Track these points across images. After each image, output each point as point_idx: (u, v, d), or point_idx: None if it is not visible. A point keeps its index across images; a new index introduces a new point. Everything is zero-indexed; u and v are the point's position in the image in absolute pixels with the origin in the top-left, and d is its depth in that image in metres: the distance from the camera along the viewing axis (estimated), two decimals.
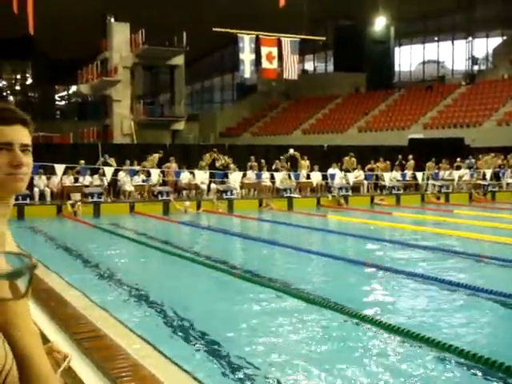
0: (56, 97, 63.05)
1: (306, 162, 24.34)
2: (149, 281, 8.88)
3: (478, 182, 25.34)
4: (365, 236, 13.32)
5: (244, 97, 56.44)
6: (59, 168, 19.26)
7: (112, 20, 37.30)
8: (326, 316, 6.58)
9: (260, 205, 21.21)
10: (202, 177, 21.63)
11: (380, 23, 47.94)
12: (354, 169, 24.67)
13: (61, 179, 19.80)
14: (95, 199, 19.26)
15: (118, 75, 35.95)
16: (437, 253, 11.21)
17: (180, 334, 6.03)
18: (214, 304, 7.38)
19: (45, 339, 4.78)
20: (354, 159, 25.02)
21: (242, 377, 4.85)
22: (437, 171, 25.47)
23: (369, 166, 25.34)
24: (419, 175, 24.67)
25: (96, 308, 6.54)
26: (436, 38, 54.15)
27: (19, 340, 1.22)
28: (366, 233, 13.98)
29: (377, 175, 24.74)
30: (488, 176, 25.20)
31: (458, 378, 4.87)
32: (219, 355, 5.34)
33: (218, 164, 22.73)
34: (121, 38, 36.14)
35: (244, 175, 22.54)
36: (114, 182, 20.66)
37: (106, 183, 20.39)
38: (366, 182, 24.48)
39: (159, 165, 21.89)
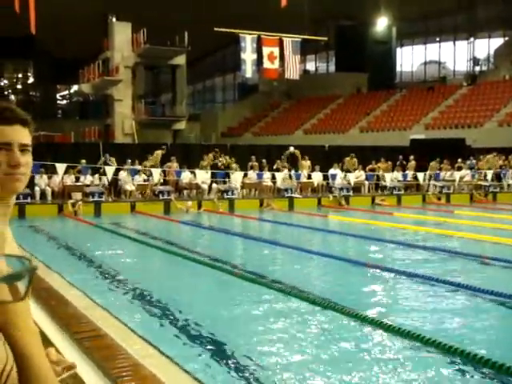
0: (57, 96, 63.05)
1: (307, 162, 24.33)
2: (149, 280, 8.88)
3: (479, 182, 25.33)
4: (365, 236, 13.32)
5: (245, 97, 56.45)
6: (60, 167, 19.27)
7: (114, 19, 37.34)
8: (325, 316, 6.58)
9: (261, 205, 21.21)
10: (203, 176, 21.64)
11: (382, 23, 47.90)
12: (355, 169, 24.66)
13: (62, 178, 19.81)
14: (96, 198, 19.27)
15: (120, 75, 35.97)
16: (437, 253, 11.20)
17: (180, 333, 6.03)
18: (214, 304, 7.38)
19: (45, 339, 4.80)
20: (355, 159, 25.02)
21: (242, 377, 4.85)
22: (438, 172, 25.45)
23: (370, 166, 25.33)
24: (420, 176, 24.66)
25: (97, 307, 6.54)
26: (437, 39, 54.15)
27: (19, 340, 1.22)
28: (366, 233, 13.97)
29: (378, 175, 24.73)
30: (489, 177, 25.19)
31: (458, 379, 4.86)
32: (220, 355, 5.34)
33: (219, 164, 22.72)
34: (122, 37, 36.17)
35: (245, 175, 22.54)
36: (114, 181, 20.67)
37: (106, 182, 20.38)
38: (367, 182, 24.48)
39: (161, 162, 21.92)
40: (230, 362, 5.18)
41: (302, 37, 28.40)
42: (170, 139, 35.48)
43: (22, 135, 1.47)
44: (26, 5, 19.44)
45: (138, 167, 21.20)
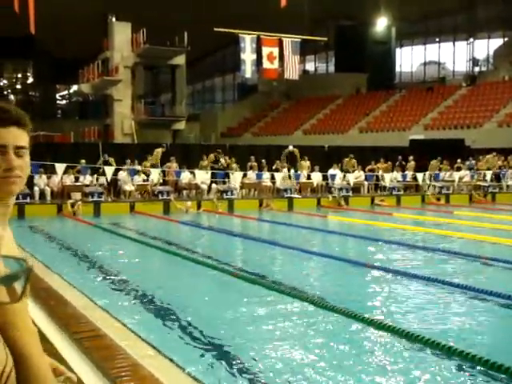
0: (57, 96, 63.04)
1: (306, 163, 24.33)
2: (149, 280, 8.87)
3: (479, 183, 25.34)
4: (365, 237, 13.32)
5: (245, 97, 56.47)
6: (60, 167, 19.25)
7: (113, 19, 37.34)
8: (324, 317, 6.58)
9: (260, 205, 21.22)
10: (203, 177, 21.64)
11: (381, 24, 47.93)
12: (354, 170, 24.66)
13: (61, 178, 19.80)
14: (95, 199, 19.27)
15: (119, 75, 35.98)
16: (437, 254, 11.20)
17: (180, 334, 6.03)
18: (213, 304, 7.38)
19: (45, 339, 4.80)
20: (353, 160, 25.02)
21: (241, 377, 4.85)
22: (438, 172, 25.45)
23: (369, 166, 25.34)
24: (420, 176, 24.66)
25: (96, 308, 6.54)
26: (437, 39, 54.18)
27: (18, 340, 1.22)
28: (366, 233, 13.98)
29: (377, 176, 24.73)
30: (488, 177, 25.21)
31: (457, 379, 4.86)
32: (219, 355, 5.34)
33: (220, 164, 22.70)
34: (122, 37, 36.18)
35: (244, 175, 22.55)
36: (114, 181, 20.66)
37: (104, 182, 20.35)
38: (366, 182, 24.48)
39: (161, 162, 21.94)
40: (228, 361, 5.17)
41: (301, 37, 28.40)
42: (170, 139, 35.49)
43: (18, 137, 1.43)
44: (26, 5, 19.44)
45: (138, 167, 21.20)
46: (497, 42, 50.15)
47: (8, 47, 47.75)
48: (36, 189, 19.25)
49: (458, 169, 25.95)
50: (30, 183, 18.85)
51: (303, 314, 6.75)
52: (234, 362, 5.16)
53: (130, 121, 36.10)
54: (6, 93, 59.39)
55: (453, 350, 5.23)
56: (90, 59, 38.51)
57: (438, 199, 24.05)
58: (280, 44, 27.09)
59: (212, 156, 22.79)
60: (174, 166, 21.91)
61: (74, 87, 55.10)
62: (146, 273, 9.73)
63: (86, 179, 20.35)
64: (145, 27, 35.05)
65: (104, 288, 8.20)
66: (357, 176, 24.23)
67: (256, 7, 38.36)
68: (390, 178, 24.39)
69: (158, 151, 22.14)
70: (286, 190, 22.28)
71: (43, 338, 4.57)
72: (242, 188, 22.45)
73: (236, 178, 21.95)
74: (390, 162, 25.75)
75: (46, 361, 1.34)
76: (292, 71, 27.49)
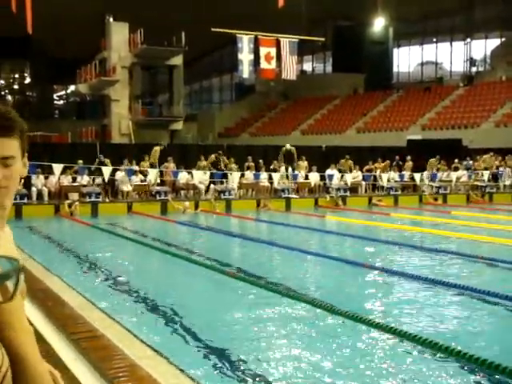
0: (54, 96, 62.98)
1: (304, 163, 24.33)
2: (146, 281, 8.87)
3: (476, 183, 25.37)
4: (363, 237, 13.33)
5: (242, 97, 56.47)
6: (57, 167, 19.22)
7: (111, 20, 37.30)
8: (322, 317, 6.58)
9: (258, 205, 21.22)
10: (201, 177, 21.62)
11: (379, 24, 47.93)
12: (351, 171, 24.61)
13: (59, 179, 19.77)
14: (93, 199, 19.25)
15: (117, 75, 35.96)
16: (434, 254, 11.21)
17: (177, 334, 6.03)
18: (210, 304, 7.38)
19: (42, 339, 4.79)
20: (350, 161, 24.95)
21: (238, 376, 4.85)
22: (435, 172, 25.46)
23: (367, 166, 25.33)
24: (417, 176, 24.67)
25: (93, 308, 6.53)
26: (434, 40, 54.22)
27: (14, 340, 1.21)
28: (363, 234, 13.99)
29: (375, 176, 24.73)
30: (485, 177, 25.24)
31: (456, 380, 4.87)
32: (216, 355, 5.34)
33: (219, 166, 22.67)
34: (119, 37, 36.16)
35: (242, 175, 22.54)
36: (111, 182, 20.64)
37: (101, 182, 20.31)
38: (363, 182, 24.49)
39: (159, 162, 21.92)
40: (226, 362, 5.17)
41: (298, 37, 28.44)
42: (167, 139, 35.46)
43: (2, 146, 1.30)
44: (23, 5, 19.42)
45: (135, 168, 21.17)
46: (494, 43, 50.21)
47: (5, 47, 47.68)
48: (33, 189, 19.23)
49: (456, 169, 25.98)
50: (28, 184, 18.83)
51: (301, 314, 6.75)
52: (231, 362, 5.16)
53: (128, 121, 36.06)
54: (3, 93, 59.31)
55: (450, 350, 5.23)
56: (88, 59, 38.49)
57: (436, 199, 24.07)
58: (277, 44, 27.12)
59: (213, 157, 22.79)
60: (171, 166, 21.90)
61: (72, 87, 55.09)
62: (143, 273, 9.73)
63: (84, 179, 20.32)
64: (142, 27, 35.02)
65: (101, 288, 8.19)
66: (354, 176, 24.23)
67: (254, 7, 38.35)
68: (388, 178, 24.39)
69: (156, 149, 22.14)
70: (283, 191, 22.29)
71: (41, 339, 4.57)
72: (239, 188, 22.45)
73: (234, 178, 21.94)
74: (388, 161, 25.73)
75: (42, 361, 1.33)
76: (289, 71, 27.51)
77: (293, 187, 22.91)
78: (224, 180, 22.01)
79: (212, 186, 21.70)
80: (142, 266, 10.50)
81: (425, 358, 5.30)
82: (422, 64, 55.15)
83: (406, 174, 25.21)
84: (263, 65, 27.24)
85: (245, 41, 26.71)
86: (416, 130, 38.77)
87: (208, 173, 21.92)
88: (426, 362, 5.23)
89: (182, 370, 4.60)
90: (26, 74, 59.60)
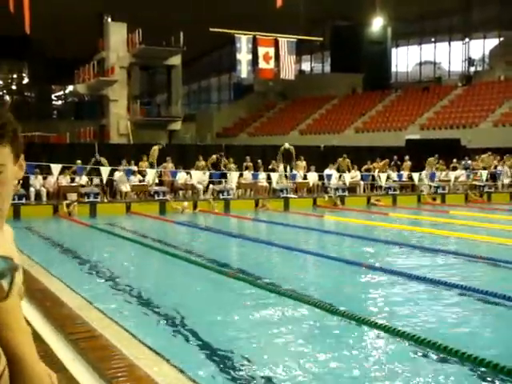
0: (53, 96, 62.89)
1: (302, 163, 24.32)
2: (145, 281, 8.87)
3: (474, 182, 25.39)
4: (361, 236, 13.33)
5: (241, 97, 56.44)
6: (55, 168, 19.20)
7: (109, 20, 37.28)
8: (320, 316, 6.58)
9: (256, 205, 21.21)
10: (200, 177, 21.61)
11: (377, 24, 47.94)
12: (349, 170, 24.58)
13: (57, 179, 19.75)
14: (91, 199, 19.24)
15: (115, 75, 35.92)
16: (433, 253, 11.22)
17: (175, 334, 6.03)
18: (209, 304, 7.37)
19: (40, 339, 4.78)
20: (347, 160, 24.88)
21: (236, 376, 4.84)
22: (433, 172, 25.45)
23: (365, 166, 25.33)
24: (416, 176, 24.67)
25: (92, 308, 6.53)
26: (433, 39, 54.24)
27: (11, 340, 1.21)
28: (362, 233, 13.99)
29: (373, 176, 24.72)
30: (484, 177, 25.26)
31: (455, 380, 4.87)
32: (215, 355, 5.34)
33: (219, 166, 22.66)
34: (118, 37, 36.13)
35: (240, 175, 22.54)
36: (110, 182, 20.62)
37: (98, 182, 20.28)
38: (362, 182, 24.49)
39: (158, 162, 21.91)
40: (224, 362, 5.17)
41: (297, 37, 28.42)
42: (166, 139, 35.43)
43: None
44: (21, 5, 19.39)
45: (134, 168, 21.16)
46: (492, 42, 50.24)
47: (3, 47, 47.59)
48: (32, 189, 19.20)
49: (454, 168, 25.99)
50: (26, 184, 18.82)
51: (300, 314, 6.75)
52: (230, 362, 5.16)
53: (126, 121, 36.04)
54: (1, 93, 59.24)
55: (448, 350, 5.23)
56: (86, 59, 38.43)
57: (434, 199, 24.08)
58: (276, 44, 27.11)
59: (214, 157, 22.79)
60: (169, 166, 21.89)
61: (70, 88, 55.03)
62: (141, 273, 9.72)
63: (82, 180, 20.30)
64: (140, 27, 34.98)
65: (100, 289, 8.19)
66: (353, 176, 24.23)
67: (253, 7, 38.31)
68: (387, 176, 24.35)
69: (155, 149, 22.13)
70: (282, 190, 22.28)
71: (39, 339, 4.57)
72: (238, 188, 22.44)
73: (232, 178, 21.94)
74: (387, 160, 25.71)
75: (40, 361, 1.33)
76: (288, 71, 27.50)
77: (291, 187, 22.90)
78: (222, 180, 22.00)
79: (211, 186, 21.70)
80: (140, 266, 10.50)
81: (425, 358, 5.30)
82: (421, 64, 55.18)
83: (405, 173, 25.21)
84: (261, 65, 27.22)
85: (243, 41, 26.71)
86: (414, 130, 38.79)
87: (207, 173, 21.91)
88: (426, 361, 5.23)
89: (180, 370, 4.60)
90: (24, 74, 59.52)
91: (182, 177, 21.71)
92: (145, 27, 34.77)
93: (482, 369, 4.88)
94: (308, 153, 25.24)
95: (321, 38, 37.66)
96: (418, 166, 25.54)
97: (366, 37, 50.53)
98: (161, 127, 37.25)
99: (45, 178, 19.88)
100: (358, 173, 24.58)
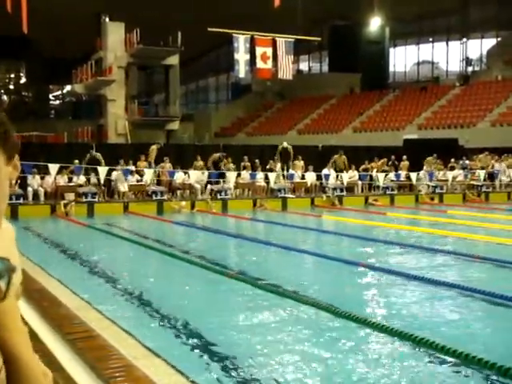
0: (50, 96, 62.84)
1: (300, 162, 24.31)
2: (143, 281, 8.85)
3: (472, 182, 25.41)
4: (359, 236, 13.34)
5: (239, 97, 56.42)
6: (53, 168, 19.18)
7: (107, 19, 37.24)
8: (318, 316, 6.58)
9: (254, 205, 21.21)
10: (199, 177, 21.59)
11: (375, 24, 47.96)
12: (346, 167, 24.51)
13: (55, 179, 19.72)
14: (89, 199, 19.21)
15: (113, 75, 35.88)
16: (431, 253, 11.23)
17: (174, 334, 6.02)
18: (207, 304, 7.37)
19: (37, 339, 4.77)
20: (344, 157, 24.78)
21: (233, 376, 4.84)
22: (431, 171, 25.46)
23: (363, 166, 25.32)
24: (413, 176, 24.68)
25: (89, 308, 6.52)
26: (431, 39, 54.31)
27: (8, 340, 1.20)
28: (360, 233, 13.99)
29: (371, 175, 24.72)
30: (482, 177, 25.28)
31: (454, 379, 4.87)
32: (213, 356, 5.33)
33: (219, 166, 22.64)
34: (115, 37, 36.09)
35: (238, 175, 22.53)
36: (108, 182, 20.59)
37: (95, 181, 20.23)
38: (360, 182, 24.49)
39: (156, 161, 21.90)
40: (223, 361, 5.16)
41: (295, 37, 28.41)
42: (164, 139, 35.37)
43: None
44: (19, 5, 19.37)
45: (132, 168, 21.13)
46: (490, 42, 50.31)
47: (1, 47, 47.56)
48: (29, 189, 19.17)
49: (452, 168, 26.01)
50: (24, 184, 18.80)
51: (300, 314, 6.74)
52: (227, 362, 5.15)
53: (124, 121, 36.02)
54: None
55: (446, 350, 5.23)
56: (84, 59, 38.40)
57: (432, 199, 24.09)
58: (274, 44, 27.09)
59: (216, 156, 22.78)
60: (167, 166, 21.87)
61: (68, 87, 54.91)
62: (139, 273, 9.71)
63: (80, 179, 20.27)
64: (138, 27, 34.97)
65: (98, 289, 8.18)
66: (351, 176, 24.22)
67: (250, 7, 38.33)
68: (385, 174, 24.35)
69: (154, 148, 22.12)
70: (279, 190, 22.28)
71: (36, 339, 4.56)
72: (235, 188, 22.43)
73: (230, 178, 21.93)
74: (385, 159, 25.71)
75: (37, 361, 1.32)
76: (286, 71, 27.50)
77: (289, 187, 22.89)
78: (220, 180, 21.99)
79: (208, 185, 21.69)
80: (138, 266, 10.48)
81: (424, 359, 5.30)
82: (419, 64, 55.25)
83: (403, 173, 25.22)
84: (259, 64, 27.21)
85: (241, 40, 26.69)
86: (412, 130, 38.82)
87: (206, 173, 21.89)
88: (425, 361, 5.23)
89: (178, 371, 4.60)
90: (21, 74, 59.44)
91: (179, 177, 21.70)
92: (143, 27, 34.76)
93: (482, 369, 4.88)
94: (306, 152, 25.23)
95: (319, 38, 37.65)
96: (415, 166, 25.54)
97: (364, 37, 50.55)
98: (159, 127, 37.22)
99: (42, 178, 19.85)
100: (355, 172, 24.57)
